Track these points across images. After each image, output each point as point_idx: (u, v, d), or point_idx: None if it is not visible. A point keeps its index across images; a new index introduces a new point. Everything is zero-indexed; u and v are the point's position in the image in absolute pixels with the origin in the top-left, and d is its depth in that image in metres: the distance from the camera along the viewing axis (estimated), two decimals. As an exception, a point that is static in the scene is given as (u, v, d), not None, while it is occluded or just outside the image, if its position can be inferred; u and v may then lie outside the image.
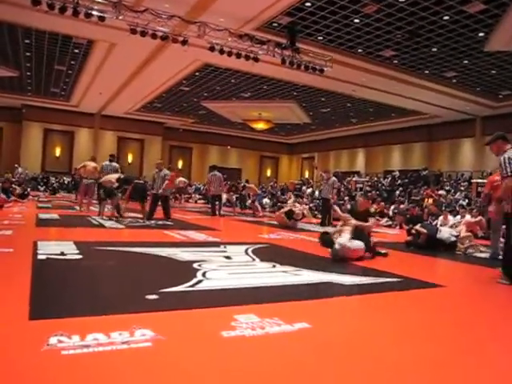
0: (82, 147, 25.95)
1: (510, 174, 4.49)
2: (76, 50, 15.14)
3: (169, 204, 10.65)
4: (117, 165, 11.13)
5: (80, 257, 4.60)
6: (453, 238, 7.37)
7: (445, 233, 7.43)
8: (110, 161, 11.01)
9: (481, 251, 7.24)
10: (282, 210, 10.77)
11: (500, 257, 5.84)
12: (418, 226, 7.65)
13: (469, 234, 7.98)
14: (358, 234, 5.70)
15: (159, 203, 10.09)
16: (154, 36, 10.97)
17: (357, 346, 2.43)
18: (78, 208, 11.79)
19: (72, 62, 16.54)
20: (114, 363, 1.95)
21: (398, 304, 3.57)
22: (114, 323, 2.47)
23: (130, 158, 27.60)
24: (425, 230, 7.41)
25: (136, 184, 9.66)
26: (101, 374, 1.84)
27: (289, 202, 12.85)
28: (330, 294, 3.68)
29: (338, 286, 3.99)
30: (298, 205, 11.18)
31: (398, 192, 18.81)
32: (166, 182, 10.02)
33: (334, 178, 11.24)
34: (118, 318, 2.61)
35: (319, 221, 11.89)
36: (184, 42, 11.41)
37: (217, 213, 13.00)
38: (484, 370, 2.17)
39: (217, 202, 13.34)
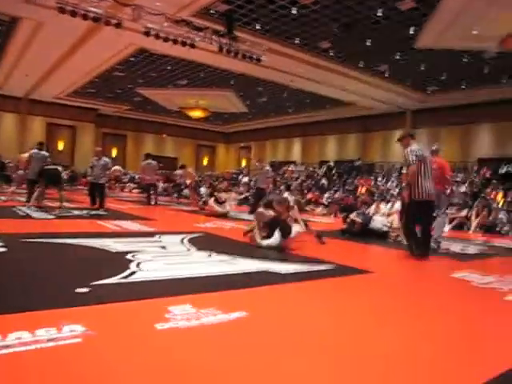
0: (7, 133, 24.30)
1: (412, 162, 5.65)
2: (-3, 27, 14.06)
3: (104, 193, 10.33)
4: (46, 153, 10.39)
5: (4, 250, 4.31)
6: (385, 228, 7.73)
7: (377, 223, 7.75)
8: (39, 149, 10.23)
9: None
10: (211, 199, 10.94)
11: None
12: (353, 215, 7.90)
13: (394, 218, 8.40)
14: (274, 224, 5.74)
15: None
16: (85, 17, 10.42)
17: (294, 332, 2.45)
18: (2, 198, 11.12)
19: (-8, 40, 15.37)
20: (39, 363, 1.83)
21: (332, 290, 3.65)
22: (40, 320, 2.33)
23: (60, 146, 26.27)
24: (360, 220, 7.67)
25: (48, 170, 9.42)
26: (21, 377, 1.72)
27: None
28: (267, 282, 3.69)
29: (274, 274, 4.02)
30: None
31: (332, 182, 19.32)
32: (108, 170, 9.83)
33: (267, 168, 11.16)
34: (44, 313, 2.47)
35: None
36: (118, 25, 10.95)
37: (152, 202, 12.77)
38: (413, 328, 2.26)
39: (152, 191, 13.13)
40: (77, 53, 15.58)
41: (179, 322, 2.43)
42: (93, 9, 10.40)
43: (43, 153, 10.19)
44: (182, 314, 2.56)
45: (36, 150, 10.16)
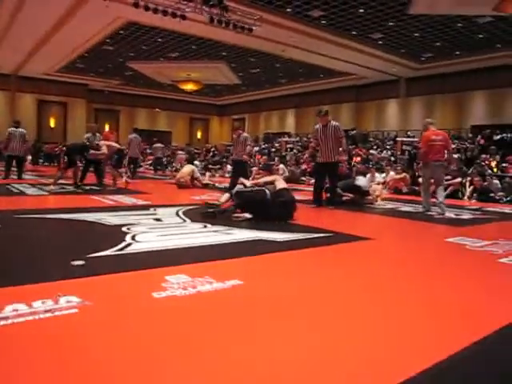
0: (-3, 111, 24.04)
1: (344, 134, 7.31)
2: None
3: (103, 168, 10.23)
4: (24, 130, 10.94)
5: (-2, 226, 4.30)
6: (367, 188, 8.32)
7: (361, 181, 8.26)
8: (16, 127, 10.74)
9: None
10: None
11: (429, 212, 6.93)
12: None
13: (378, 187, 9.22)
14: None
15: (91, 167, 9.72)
16: (70, -12, 10.18)
17: (292, 299, 2.46)
18: None
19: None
20: (37, 333, 1.84)
21: (331, 257, 3.68)
22: (35, 292, 2.32)
23: (52, 123, 25.99)
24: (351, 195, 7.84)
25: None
26: (21, 346, 1.73)
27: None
28: (262, 250, 3.70)
29: (270, 242, 4.04)
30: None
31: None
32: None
33: (245, 135, 10.26)
34: (40, 286, 2.46)
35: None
36: (105, -4, 10.72)
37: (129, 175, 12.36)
38: (418, 293, 2.29)
39: (132, 165, 13.29)
40: (64, 27, 15.27)
41: (176, 290, 2.44)
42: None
43: (21, 130, 10.84)
44: (178, 282, 2.57)
45: (13, 128, 10.76)
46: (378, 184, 10.07)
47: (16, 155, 10.81)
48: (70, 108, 26.39)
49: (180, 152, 18.32)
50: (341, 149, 7.25)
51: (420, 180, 9.18)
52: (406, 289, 2.75)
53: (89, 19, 14.27)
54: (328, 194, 7.56)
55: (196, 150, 22.41)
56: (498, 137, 14.98)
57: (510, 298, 2.62)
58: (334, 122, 7.29)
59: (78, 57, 20.12)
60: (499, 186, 10.31)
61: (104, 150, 9.08)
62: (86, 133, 10.60)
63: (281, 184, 5.73)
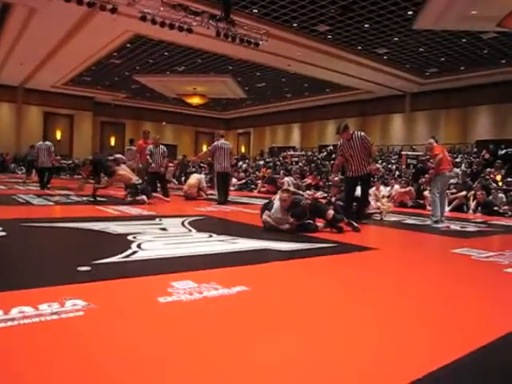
0: (4, 123, 24.24)
1: (372, 142, 6.98)
2: (-11, 14, 13.94)
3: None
4: (49, 143, 12.14)
5: (3, 234, 4.31)
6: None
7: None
8: (43, 141, 12.26)
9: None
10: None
11: (439, 223, 6.96)
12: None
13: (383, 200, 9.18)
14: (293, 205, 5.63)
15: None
16: (79, 2, 10.30)
17: (298, 306, 2.45)
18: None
19: (-15, 28, 15.23)
20: (43, 334, 1.84)
21: (337, 266, 3.67)
22: (42, 296, 2.33)
23: (58, 135, 26.18)
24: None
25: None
26: (28, 346, 1.73)
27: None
28: (268, 259, 3.70)
29: (275, 251, 4.04)
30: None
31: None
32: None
33: (163, 148, 10.15)
34: (46, 290, 2.47)
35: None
36: (113, 10, 10.85)
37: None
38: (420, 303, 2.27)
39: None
40: (72, 40, 15.49)
41: (182, 295, 2.43)
42: (87, -7, 10.27)
43: (46, 143, 12.06)
44: (184, 288, 2.57)
45: (41, 142, 12.09)
46: (383, 197, 10.05)
47: (44, 167, 11.77)
48: (77, 121, 26.62)
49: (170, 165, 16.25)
50: (371, 159, 6.91)
51: (428, 193, 9.19)
52: (411, 297, 2.73)
53: (96, 33, 14.48)
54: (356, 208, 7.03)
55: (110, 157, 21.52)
56: (503, 151, 14.96)
57: (518, 307, 2.60)
58: (359, 133, 6.90)
59: (85, 70, 20.36)
60: (504, 199, 10.27)
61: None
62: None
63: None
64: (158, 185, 10.01)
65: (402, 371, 1.63)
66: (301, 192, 6.38)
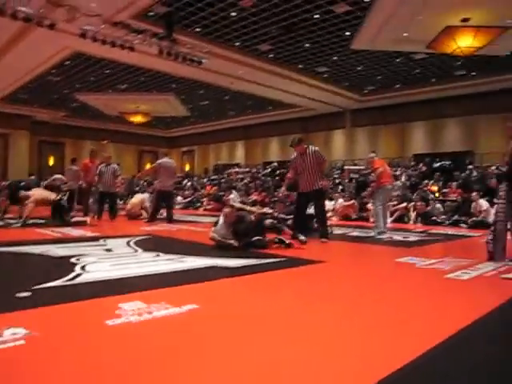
0: None
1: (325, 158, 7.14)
2: None
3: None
4: (75, 167, 11.60)
5: None
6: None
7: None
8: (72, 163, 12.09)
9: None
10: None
11: (382, 235, 7.20)
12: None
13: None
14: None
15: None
16: (13, 16, 9.85)
17: (252, 319, 2.45)
18: None
19: None
20: (-20, 365, 1.72)
21: (288, 279, 3.70)
22: (-23, 326, 2.19)
23: (-8, 156, 24.83)
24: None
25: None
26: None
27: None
28: (216, 276, 3.67)
29: (224, 268, 4.01)
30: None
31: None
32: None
33: (114, 166, 10.00)
34: (-19, 320, 2.32)
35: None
36: (51, 26, 10.51)
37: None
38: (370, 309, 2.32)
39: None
40: (6, 56, 14.80)
41: (131, 316, 2.36)
42: (23, 8, 9.86)
43: (75, 168, 11.61)
44: (132, 309, 2.49)
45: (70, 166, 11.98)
46: (328, 211, 10.27)
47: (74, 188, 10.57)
48: (12, 140, 25.37)
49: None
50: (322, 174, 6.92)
51: (371, 206, 9.46)
52: (362, 305, 2.79)
53: (33, 48, 13.92)
54: (315, 225, 7.13)
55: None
56: (438, 164, 15.84)
57: (456, 309, 2.71)
58: (313, 147, 6.90)
59: (21, 87, 19.53)
60: (441, 209, 10.81)
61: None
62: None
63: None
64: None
65: (365, 373, 1.65)
66: (248, 208, 6.38)
